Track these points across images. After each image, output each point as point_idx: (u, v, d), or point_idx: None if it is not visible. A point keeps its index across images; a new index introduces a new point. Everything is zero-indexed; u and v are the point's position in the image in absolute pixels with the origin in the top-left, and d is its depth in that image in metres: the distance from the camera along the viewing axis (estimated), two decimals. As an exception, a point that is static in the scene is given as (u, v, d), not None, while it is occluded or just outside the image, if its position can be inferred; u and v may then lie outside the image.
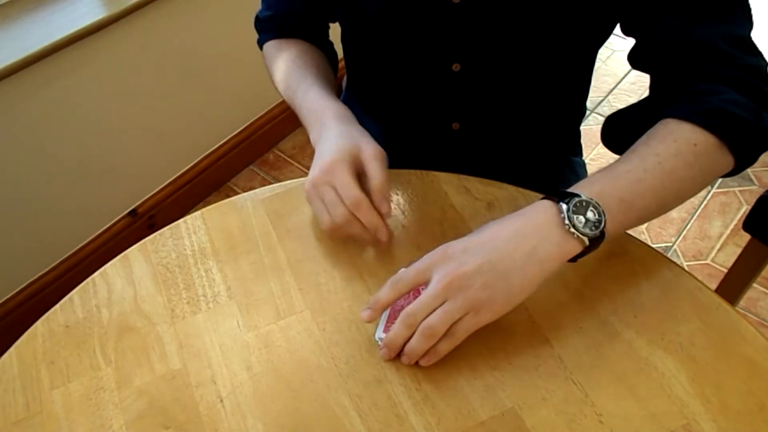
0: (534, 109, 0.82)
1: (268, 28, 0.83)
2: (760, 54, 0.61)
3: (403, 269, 0.57)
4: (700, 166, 0.57)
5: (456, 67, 0.74)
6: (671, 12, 0.61)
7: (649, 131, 0.60)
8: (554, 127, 0.88)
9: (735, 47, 0.60)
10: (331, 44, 0.87)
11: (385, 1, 0.70)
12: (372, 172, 0.63)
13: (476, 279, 0.52)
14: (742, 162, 0.59)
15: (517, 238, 0.54)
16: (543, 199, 0.56)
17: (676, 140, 0.57)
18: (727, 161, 0.58)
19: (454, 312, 0.53)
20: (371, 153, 0.63)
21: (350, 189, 0.61)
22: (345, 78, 0.98)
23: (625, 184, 0.55)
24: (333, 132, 0.66)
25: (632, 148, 0.59)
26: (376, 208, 0.62)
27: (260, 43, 0.86)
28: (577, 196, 0.54)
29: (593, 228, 0.53)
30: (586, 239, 0.53)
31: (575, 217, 0.53)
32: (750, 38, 0.60)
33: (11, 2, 1.30)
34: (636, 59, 0.67)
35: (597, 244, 0.54)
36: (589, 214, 0.53)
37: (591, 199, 0.54)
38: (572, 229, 0.53)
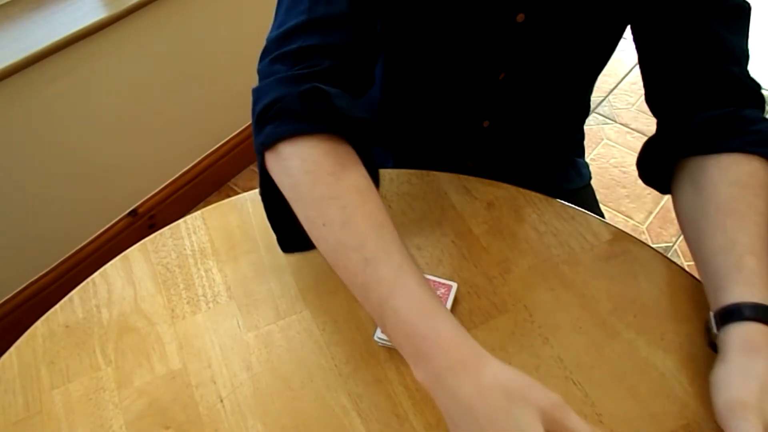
0: (556, 109, 0.83)
1: (309, 113, 0.51)
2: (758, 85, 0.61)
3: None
4: None
5: (502, 75, 0.74)
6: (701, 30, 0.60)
7: (727, 173, 0.56)
8: (567, 124, 0.90)
9: (746, 66, 0.60)
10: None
11: (449, 17, 0.68)
12: None
13: None
14: None
15: None
16: (756, 324, 0.49)
17: (763, 184, 0.55)
18: None
19: None
20: (571, 416, 0.42)
21: None
22: None
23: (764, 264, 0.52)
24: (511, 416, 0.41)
25: (737, 207, 0.54)
26: None
27: (274, 137, 0.52)
28: None
29: None
30: None
31: None
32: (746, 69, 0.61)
33: (12, 2, 1.30)
34: (661, 89, 0.65)
35: None
36: None
37: None
38: None
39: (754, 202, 0.53)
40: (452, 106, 0.82)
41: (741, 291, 0.50)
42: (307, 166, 0.50)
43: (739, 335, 0.49)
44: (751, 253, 0.51)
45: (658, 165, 0.64)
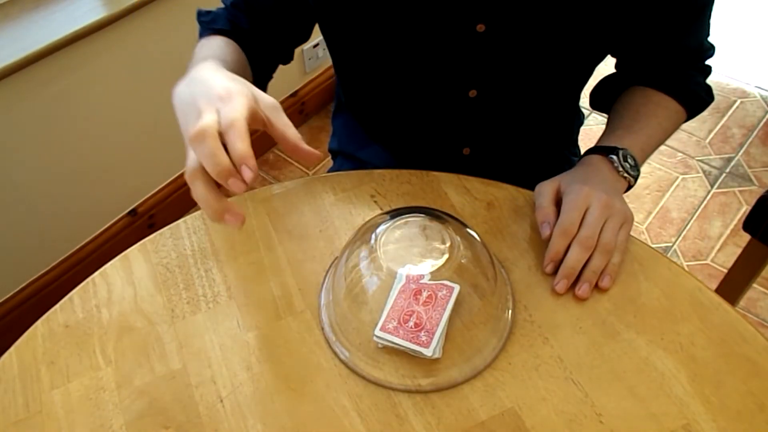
0: (540, 121, 0.83)
1: (206, 22, 0.76)
2: (711, 47, 0.79)
3: (569, 216, 0.63)
4: (674, 127, 0.78)
5: (473, 93, 0.74)
6: (663, 28, 0.73)
7: (649, 96, 0.77)
8: (557, 132, 0.90)
9: (702, 48, 0.78)
10: (270, 73, 0.82)
11: (409, 30, 0.68)
12: (278, 120, 0.54)
13: (616, 200, 0.64)
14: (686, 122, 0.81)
15: (604, 180, 0.68)
16: (590, 154, 0.71)
17: (668, 108, 0.77)
18: (682, 123, 0.81)
19: (617, 224, 0.63)
20: (270, 101, 0.54)
21: (235, 111, 0.52)
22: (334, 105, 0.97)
23: (643, 139, 0.73)
24: (214, 74, 0.57)
25: (637, 108, 0.76)
26: (304, 157, 0.54)
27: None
28: (621, 149, 0.69)
29: (635, 170, 0.69)
30: (632, 179, 0.69)
31: (625, 164, 0.69)
32: (708, 40, 0.78)
33: (11, 2, 1.29)
34: (626, 51, 0.79)
35: (634, 183, 0.70)
36: (630, 161, 0.69)
37: (626, 149, 0.69)
38: (625, 174, 0.69)
39: (656, 111, 0.76)
40: (427, 131, 0.82)
41: (609, 140, 0.72)
42: (197, 47, 0.73)
43: (585, 157, 0.72)
44: (626, 129, 0.74)
45: (611, 94, 0.83)
